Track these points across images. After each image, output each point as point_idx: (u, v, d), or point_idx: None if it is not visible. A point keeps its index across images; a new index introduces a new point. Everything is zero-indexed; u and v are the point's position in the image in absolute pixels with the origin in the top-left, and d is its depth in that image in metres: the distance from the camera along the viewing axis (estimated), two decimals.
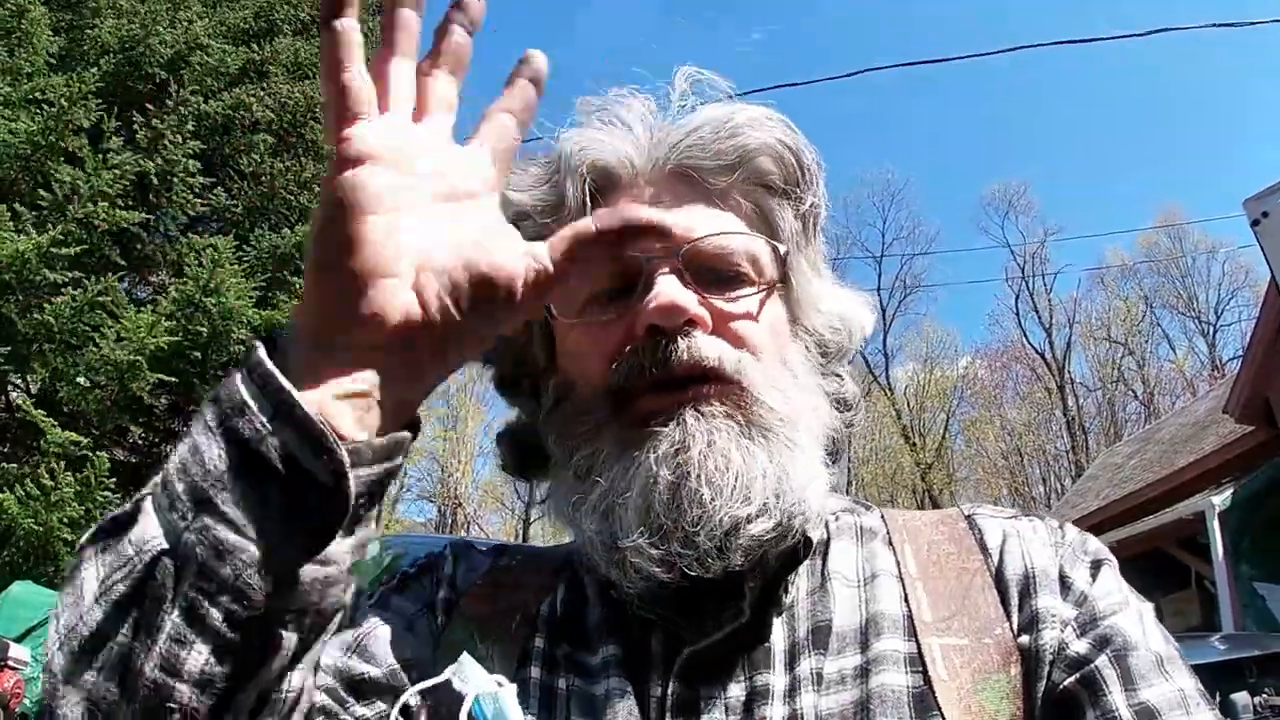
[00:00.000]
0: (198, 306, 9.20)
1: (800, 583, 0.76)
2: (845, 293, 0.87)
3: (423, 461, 34.80)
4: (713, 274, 0.76)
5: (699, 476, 0.69)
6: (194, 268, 9.33)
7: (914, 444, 33.80)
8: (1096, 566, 0.75)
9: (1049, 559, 0.75)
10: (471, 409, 34.37)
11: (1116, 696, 0.66)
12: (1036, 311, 34.97)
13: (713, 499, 0.68)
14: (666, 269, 0.74)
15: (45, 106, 9.08)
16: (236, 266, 9.64)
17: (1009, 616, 0.71)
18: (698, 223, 0.77)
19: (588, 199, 0.78)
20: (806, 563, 0.76)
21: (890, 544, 0.79)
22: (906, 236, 36.11)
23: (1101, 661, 0.68)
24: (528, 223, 0.79)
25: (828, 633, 0.72)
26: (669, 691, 0.70)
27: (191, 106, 10.09)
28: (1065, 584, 0.73)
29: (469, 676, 0.69)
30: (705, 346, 0.73)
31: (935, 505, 29.98)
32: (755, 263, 0.78)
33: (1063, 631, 0.70)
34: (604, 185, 0.80)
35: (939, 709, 0.65)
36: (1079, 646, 0.69)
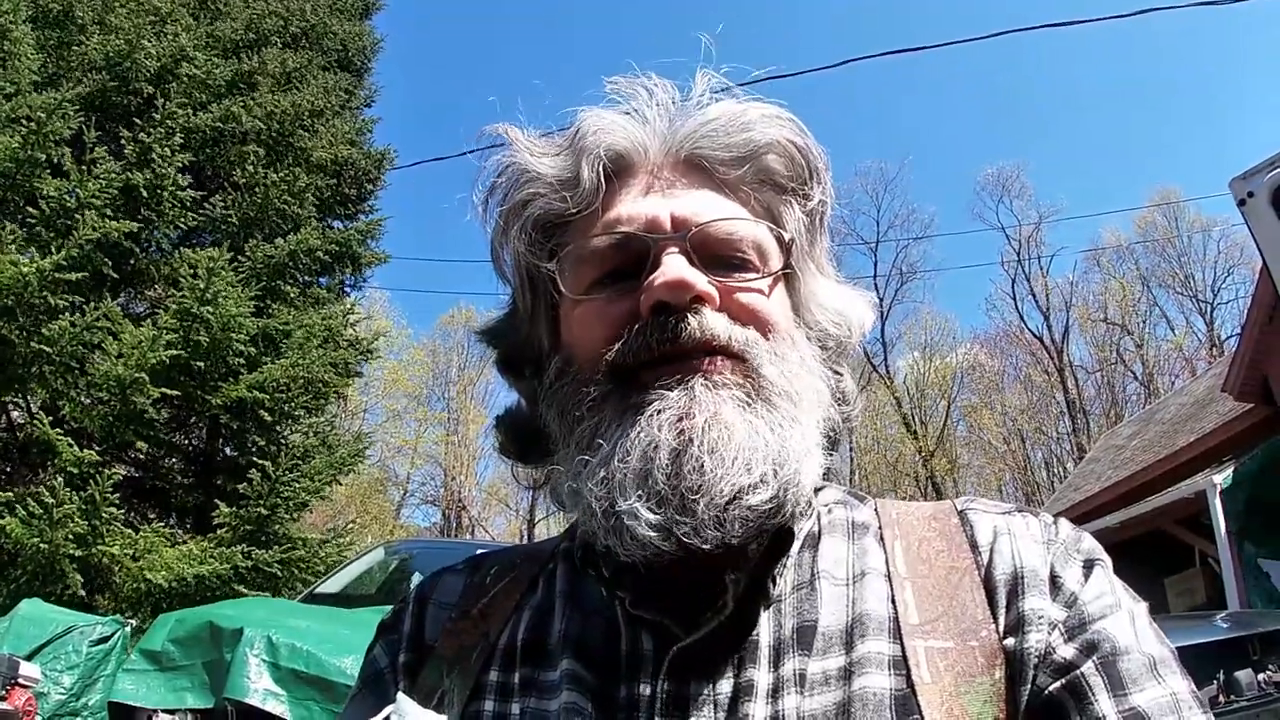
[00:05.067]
0: (196, 317, 9.22)
1: (788, 576, 0.76)
2: (848, 290, 0.88)
3: (425, 466, 34.92)
4: (719, 259, 0.78)
5: (701, 444, 0.69)
6: (189, 279, 9.37)
7: (915, 432, 33.85)
8: (1089, 566, 0.74)
9: (1040, 558, 0.74)
10: (473, 412, 34.36)
11: (1104, 703, 0.65)
12: (1034, 295, 35.08)
13: (714, 468, 0.69)
14: (674, 249, 0.76)
15: (26, 123, 9.09)
16: (232, 275, 9.67)
17: (995, 618, 0.71)
18: (706, 208, 0.79)
19: (602, 180, 0.81)
20: (794, 556, 0.77)
21: (881, 540, 0.79)
22: (901, 224, 36.07)
23: (1088, 668, 0.67)
24: (542, 199, 0.83)
25: (813, 632, 0.72)
26: (659, 690, 0.70)
27: (180, 119, 10.10)
28: (1055, 584, 0.72)
29: (406, 713, 0.73)
30: (714, 323, 0.74)
31: (938, 492, 30.15)
32: (761, 251, 0.80)
33: (1050, 635, 0.69)
34: (619, 168, 0.82)
35: (920, 712, 0.65)
36: (1065, 651, 0.68)
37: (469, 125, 0.88)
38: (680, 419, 0.70)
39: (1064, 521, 0.79)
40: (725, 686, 0.70)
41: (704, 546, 0.68)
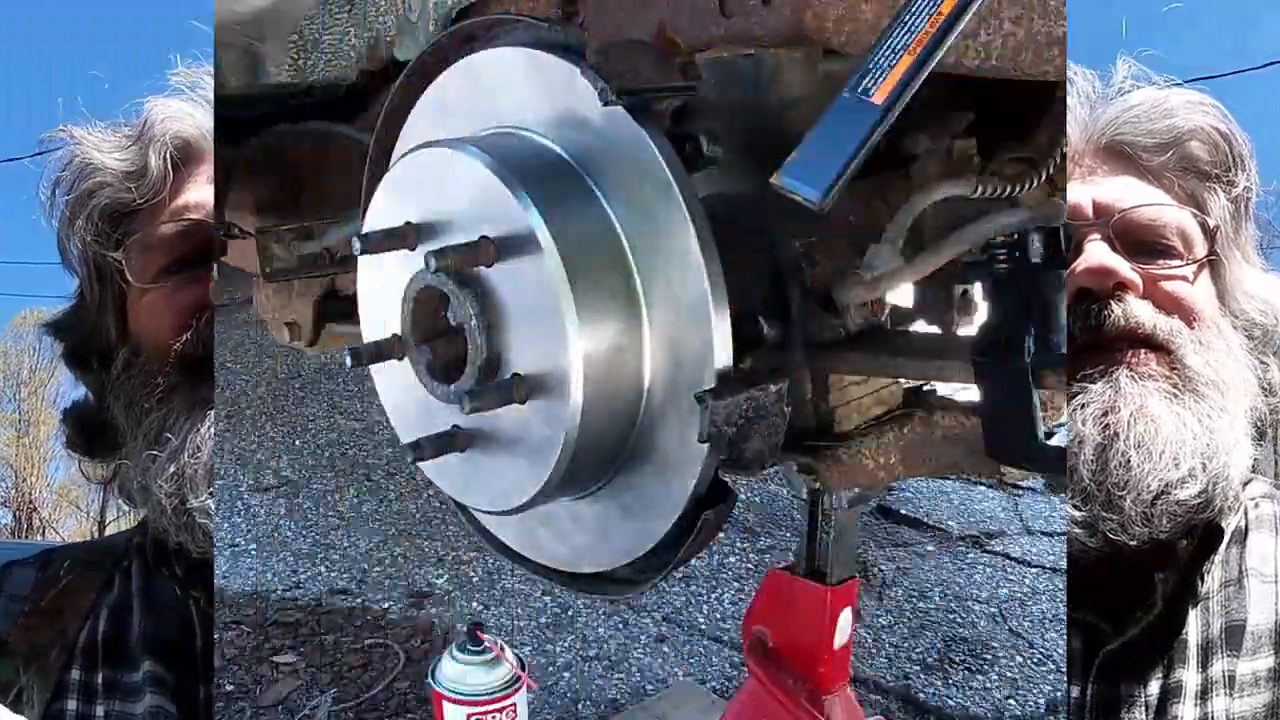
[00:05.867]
0: None
1: (1216, 573, 0.77)
2: (1275, 278, 0.90)
3: None
4: (1142, 245, 0.81)
5: (1128, 439, 0.71)
6: None
7: None
8: None
9: None
10: (44, 413, 30.97)
11: None
12: None
13: (1141, 463, 0.71)
14: (1096, 235, 0.79)
15: None
16: None
17: None
18: (1129, 194, 0.82)
19: (169, 168, 0.84)
20: (1221, 552, 0.78)
21: None
22: None
23: None
24: (109, 190, 0.84)
25: (1241, 632, 0.73)
26: (1089, 692, 0.73)
27: None
28: None
29: None
30: (1139, 311, 0.77)
31: None
32: (1185, 238, 0.82)
33: None
34: (185, 156, 0.86)
35: None
36: None
37: (37, 126, 0.87)
38: (1105, 413, 0.73)
39: None
40: (1154, 688, 0.72)
41: (1131, 543, 0.71)
